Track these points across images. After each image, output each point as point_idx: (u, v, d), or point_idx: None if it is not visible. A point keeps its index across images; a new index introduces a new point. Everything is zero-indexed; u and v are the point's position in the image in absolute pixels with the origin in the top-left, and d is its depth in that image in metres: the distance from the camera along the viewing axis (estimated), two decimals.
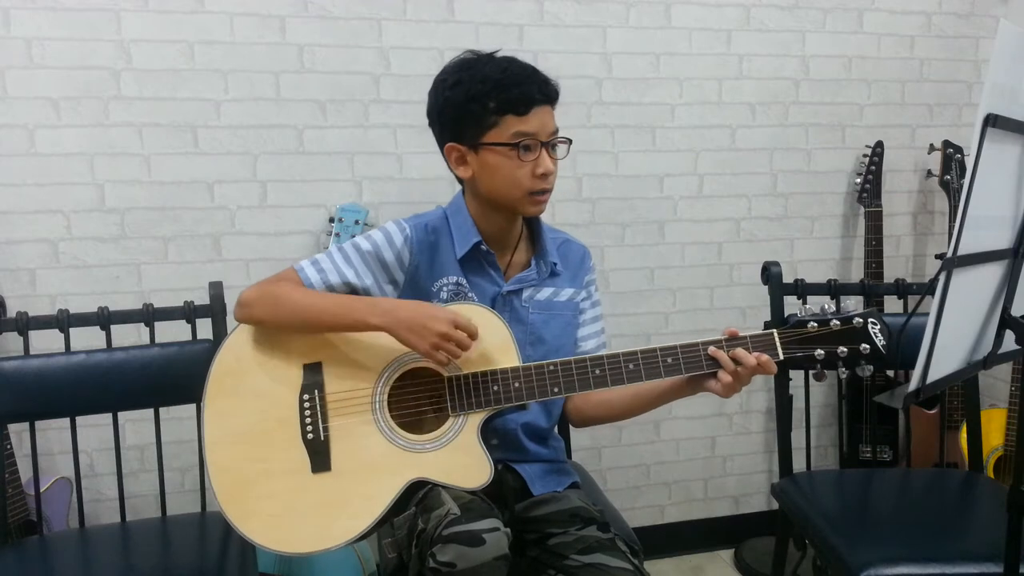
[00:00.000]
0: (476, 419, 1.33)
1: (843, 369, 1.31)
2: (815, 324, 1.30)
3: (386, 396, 1.34)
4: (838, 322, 1.29)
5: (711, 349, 1.30)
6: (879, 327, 1.28)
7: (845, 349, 1.29)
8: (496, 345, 1.35)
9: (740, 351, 1.29)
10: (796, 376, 1.84)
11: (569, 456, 1.74)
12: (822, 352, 1.29)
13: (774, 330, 1.31)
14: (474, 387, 1.33)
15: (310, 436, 1.33)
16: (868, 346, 1.28)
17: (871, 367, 1.30)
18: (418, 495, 1.30)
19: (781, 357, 1.30)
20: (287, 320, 1.34)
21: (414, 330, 1.28)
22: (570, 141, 1.43)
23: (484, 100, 1.34)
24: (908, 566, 1.44)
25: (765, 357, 1.28)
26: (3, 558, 1.53)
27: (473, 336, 1.30)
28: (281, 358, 1.36)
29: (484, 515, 1.19)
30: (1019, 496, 1.23)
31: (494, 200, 1.41)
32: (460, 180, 1.46)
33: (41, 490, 1.87)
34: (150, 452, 1.94)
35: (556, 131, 1.40)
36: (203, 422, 1.34)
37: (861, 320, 1.28)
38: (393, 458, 1.31)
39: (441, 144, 1.43)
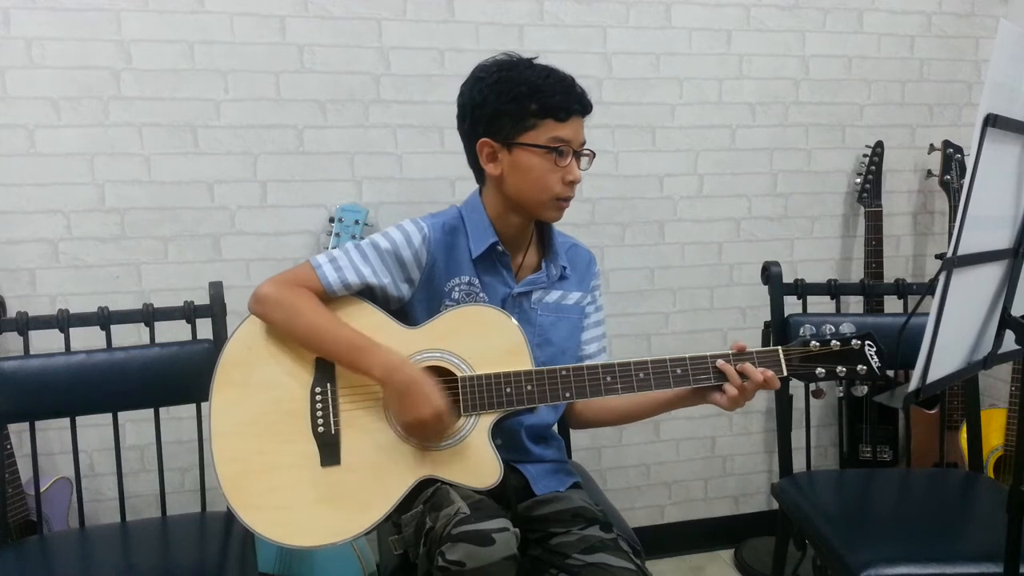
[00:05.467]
0: (487, 420, 1.34)
1: (840, 389, 1.34)
2: (817, 344, 1.36)
3: None
4: (838, 343, 1.35)
5: (719, 362, 1.33)
6: (875, 349, 1.34)
7: (844, 369, 1.35)
8: (509, 348, 1.35)
9: (747, 366, 1.33)
10: None
11: (569, 456, 1.75)
12: (823, 371, 1.35)
13: (779, 348, 1.36)
14: (487, 388, 1.33)
15: (321, 429, 1.33)
16: (864, 367, 1.35)
17: (865, 387, 1.34)
18: (426, 493, 1.30)
19: (785, 373, 1.35)
20: (297, 335, 1.35)
21: (402, 399, 1.28)
22: (594, 154, 1.45)
23: (526, 101, 1.36)
24: (908, 566, 1.45)
25: (771, 373, 1.32)
26: (3, 558, 1.53)
27: (440, 436, 1.31)
28: (293, 350, 1.36)
29: (494, 515, 1.20)
30: (1019, 496, 1.23)
31: (518, 200, 1.42)
32: (480, 179, 1.47)
33: (41, 490, 1.87)
34: (150, 452, 1.94)
35: (584, 143, 1.43)
36: (210, 411, 1.34)
37: (859, 342, 1.35)
38: (403, 455, 1.32)
39: (472, 138, 1.42)
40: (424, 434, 1.30)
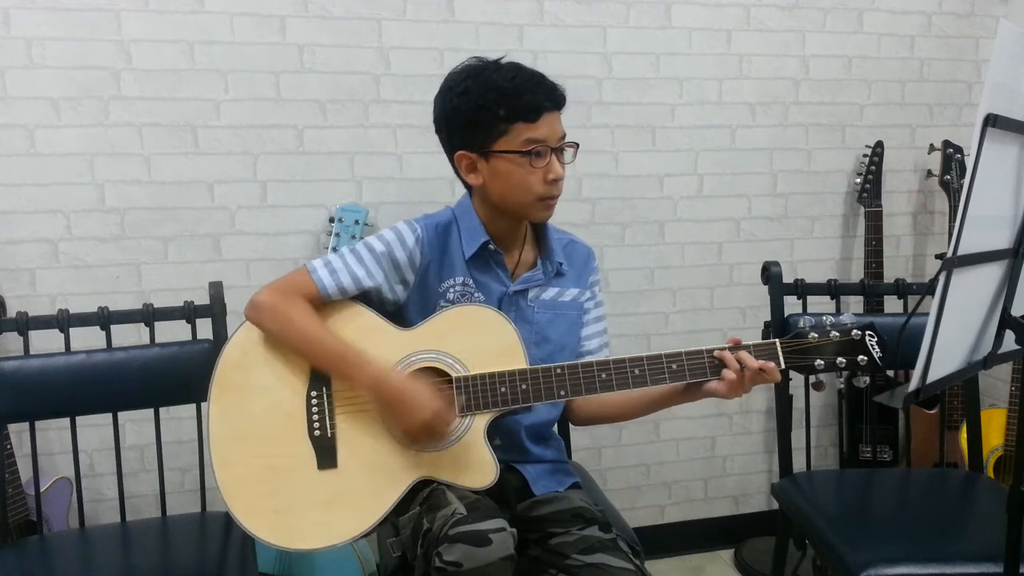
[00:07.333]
0: (483, 420, 1.34)
1: (840, 380, 1.33)
2: (815, 335, 1.34)
3: None
4: (837, 333, 1.33)
5: (717, 351, 1.33)
6: (876, 339, 1.33)
7: (844, 360, 1.33)
8: (504, 347, 1.35)
9: (744, 353, 1.32)
10: (796, 376, 1.82)
11: (569, 456, 1.75)
12: (822, 362, 1.33)
13: (776, 340, 1.35)
14: (481, 388, 1.33)
15: (317, 432, 1.33)
16: (865, 358, 1.33)
17: (867, 378, 1.33)
18: (422, 494, 1.31)
19: (783, 366, 1.34)
20: (289, 344, 1.36)
21: (395, 410, 1.29)
22: (577, 145, 1.43)
23: (494, 108, 1.34)
24: (908, 566, 1.45)
25: (771, 364, 1.32)
26: (3, 558, 1.53)
27: (446, 435, 1.31)
28: (289, 355, 1.36)
29: (490, 515, 1.20)
30: (1019, 496, 1.23)
31: (504, 206, 1.42)
32: (468, 188, 1.47)
33: (41, 490, 1.87)
34: (150, 452, 1.94)
35: (563, 136, 1.41)
36: (208, 416, 1.34)
37: (859, 332, 1.33)
38: (399, 456, 1.32)
39: (450, 152, 1.43)
40: (430, 436, 1.29)
